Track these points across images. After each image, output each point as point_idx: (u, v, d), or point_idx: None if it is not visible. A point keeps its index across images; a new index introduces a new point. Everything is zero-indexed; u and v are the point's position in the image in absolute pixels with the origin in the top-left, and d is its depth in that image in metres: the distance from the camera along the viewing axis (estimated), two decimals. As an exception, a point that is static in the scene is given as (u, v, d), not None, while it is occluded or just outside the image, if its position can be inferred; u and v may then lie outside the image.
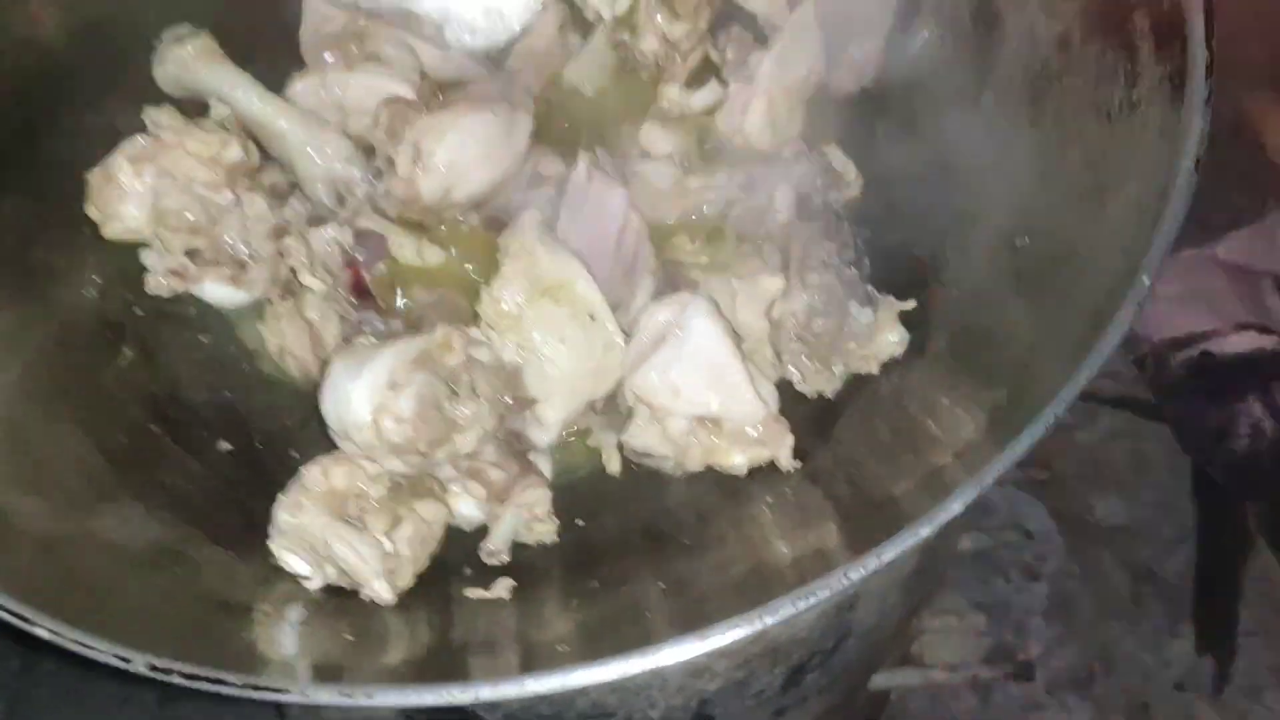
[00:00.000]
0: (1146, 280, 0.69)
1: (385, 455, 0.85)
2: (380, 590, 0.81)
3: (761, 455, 0.91)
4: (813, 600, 0.65)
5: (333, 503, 0.84)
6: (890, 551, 0.66)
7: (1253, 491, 1.44)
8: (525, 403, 0.93)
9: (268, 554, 0.86)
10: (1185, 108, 0.75)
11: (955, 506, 0.67)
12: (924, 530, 0.66)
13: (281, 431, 1.01)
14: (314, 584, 0.85)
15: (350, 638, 0.81)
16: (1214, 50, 0.75)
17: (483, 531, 0.92)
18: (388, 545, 0.82)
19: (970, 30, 1.02)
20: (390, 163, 0.98)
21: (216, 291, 1.01)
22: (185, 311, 1.04)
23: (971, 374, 0.85)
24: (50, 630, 0.70)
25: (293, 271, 0.98)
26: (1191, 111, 0.74)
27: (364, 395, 0.83)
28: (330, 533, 0.80)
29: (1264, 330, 1.48)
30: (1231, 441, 1.43)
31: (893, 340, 0.92)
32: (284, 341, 1.01)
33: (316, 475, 0.84)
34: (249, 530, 0.90)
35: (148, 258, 1.00)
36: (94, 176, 0.99)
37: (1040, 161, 0.91)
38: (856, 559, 0.66)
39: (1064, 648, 1.41)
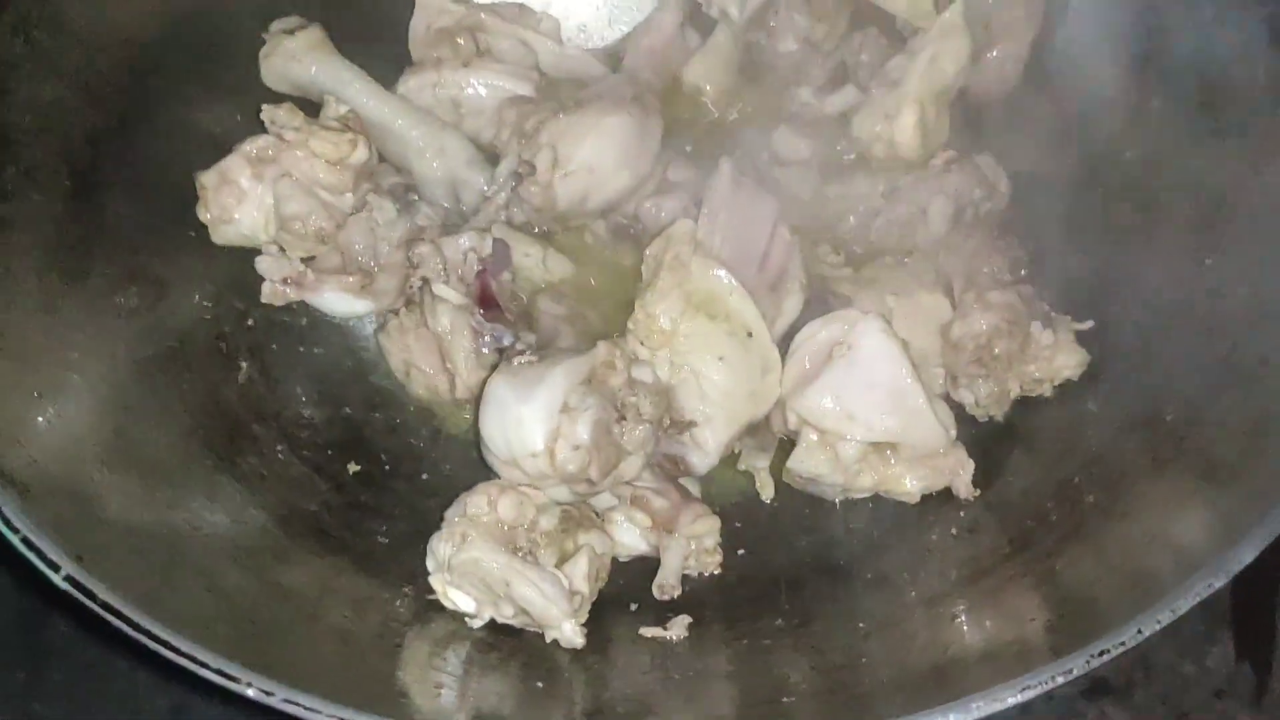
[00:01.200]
0: None
1: (554, 484, 0.79)
2: (571, 634, 0.75)
3: (938, 482, 0.87)
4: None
5: (501, 535, 0.78)
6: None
7: None
8: (683, 425, 0.87)
9: (417, 585, 0.81)
10: None
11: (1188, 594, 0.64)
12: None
13: (408, 451, 0.97)
14: (478, 622, 0.79)
15: (522, 683, 0.76)
16: None
17: (638, 562, 0.87)
18: (563, 581, 0.76)
19: (1126, 34, 0.99)
20: (530, 167, 0.92)
21: (337, 301, 0.95)
22: (297, 322, 0.99)
23: (1159, 423, 0.82)
24: (217, 671, 0.64)
25: (424, 281, 0.91)
26: None
27: (539, 420, 0.78)
28: (510, 570, 0.74)
29: None
30: None
31: (1071, 363, 0.89)
32: (409, 356, 0.95)
33: (482, 504, 0.79)
34: (392, 559, 0.85)
35: (263, 264, 0.94)
36: (208, 179, 0.92)
37: (1227, 173, 0.88)
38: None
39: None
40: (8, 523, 0.64)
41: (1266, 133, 0.87)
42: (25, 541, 0.64)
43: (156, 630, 0.62)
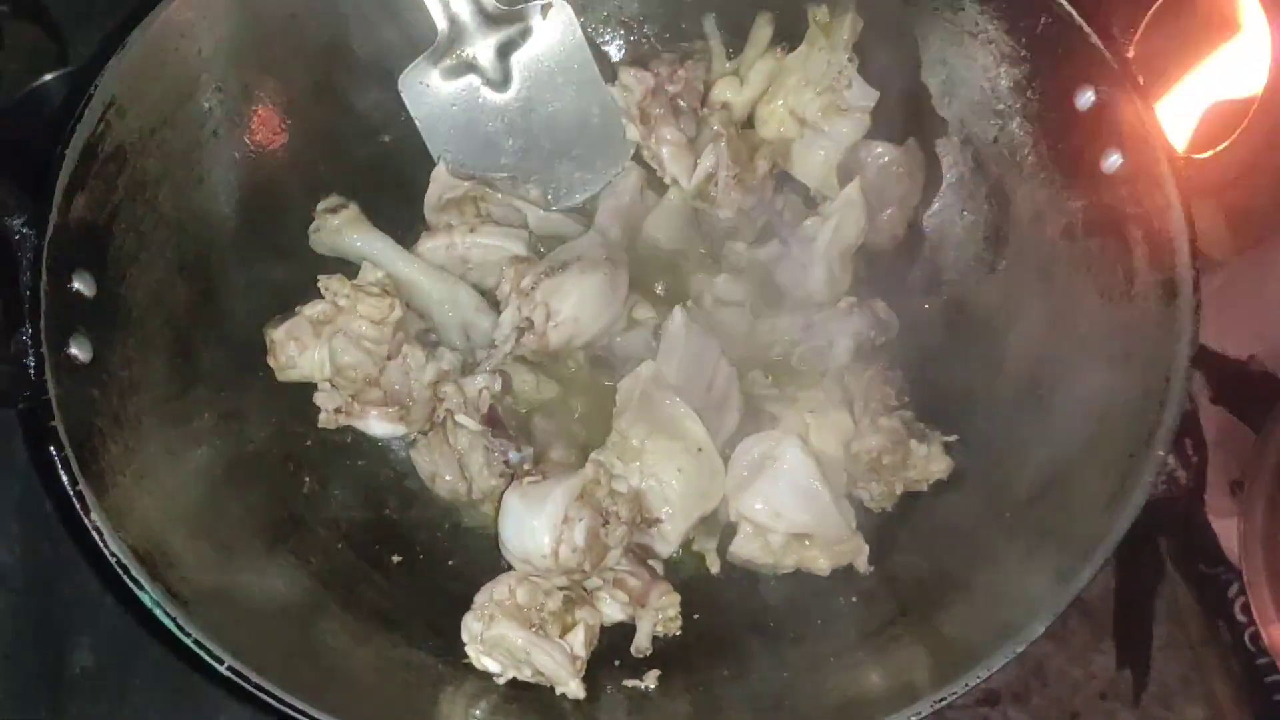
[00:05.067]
0: (1161, 453, 0.95)
1: (558, 575, 1.07)
2: (575, 689, 1.02)
3: (843, 560, 1.14)
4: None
5: (519, 615, 1.05)
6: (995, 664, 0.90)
7: (1166, 528, 1.51)
8: (651, 521, 1.14)
9: (455, 652, 1.07)
10: (1179, 312, 0.99)
11: (1037, 628, 0.92)
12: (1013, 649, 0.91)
13: (436, 542, 1.21)
14: (502, 680, 1.06)
15: (539, 723, 1.03)
16: (1198, 271, 1.00)
17: (619, 628, 1.14)
18: (567, 648, 1.04)
19: (984, 207, 1.27)
20: (529, 321, 1.19)
21: (379, 427, 1.19)
22: (344, 441, 1.23)
23: (1012, 501, 1.10)
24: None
25: (448, 412, 1.18)
26: (1185, 318, 0.99)
27: (546, 529, 1.04)
28: (530, 644, 1.01)
29: None
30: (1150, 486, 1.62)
31: (940, 467, 1.16)
32: (435, 467, 1.20)
33: (504, 591, 1.05)
34: (433, 632, 1.11)
35: (320, 399, 1.19)
36: (277, 334, 1.17)
37: (1054, 327, 1.15)
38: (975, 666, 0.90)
39: (1005, 666, 1.61)
40: (182, 629, 0.89)
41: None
42: (197, 643, 0.89)
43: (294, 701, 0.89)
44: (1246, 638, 1.38)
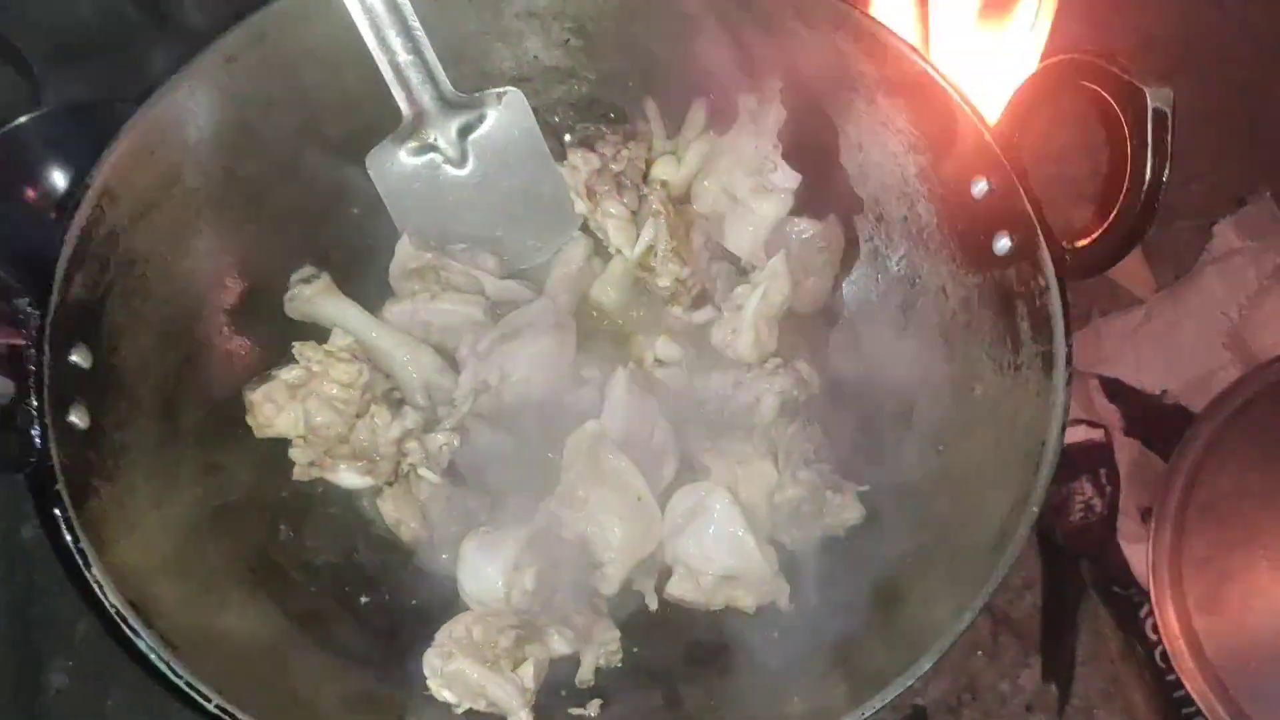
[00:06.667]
0: (1035, 510, 1.08)
1: (510, 614, 1.19)
2: (525, 718, 1.14)
3: (767, 599, 1.27)
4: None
5: (473, 650, 1.17)
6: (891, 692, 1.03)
7: (1085, 552, 1.61)
8: (595, 565, 1.27)
9: (418, 684, 1.19)
10: (1055, 383, 1.13)
11: (938, 651, 1.05)
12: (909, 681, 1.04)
13: (400, 584, 1.31)
14: (460, 709, 1.18)
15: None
16: (1071, 346, 1.14)
17: (566, 661, 1.26)
18: (519, 681, 1.16)
19: (895, 278, 1.40)
20: (485, 384, 1.32)
21: (349, 479, 1.31)
22: (316, 491, 1.35)
23: (916, 544, 1.23)
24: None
25: (412, 466, 1.30)
26: (1059, 389, 1.13)
27: (499, 575, 1.17)
28: (485, 678, 1.13)
29: (1093, 425, 1.67)
30: (1069, 514, 1.62)
31: (853, 515, 1.29)
32: (399, 515, 1.32)
33: (462, 630, 1.17)
34: (397, 667, 1.22)
35: (295, 453, 1.31)
36: (256, 396, 1.28)
37: (954, 389, 1.28)
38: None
39: (938, 681, 1.56)
40: (174, 672, 1.01)
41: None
42: (188, 684, 1.00)
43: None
44: (1157, 655, 1.48)
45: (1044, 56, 1.53)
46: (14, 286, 1.10)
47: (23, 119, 1.56)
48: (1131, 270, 1.89)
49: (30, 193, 1.60)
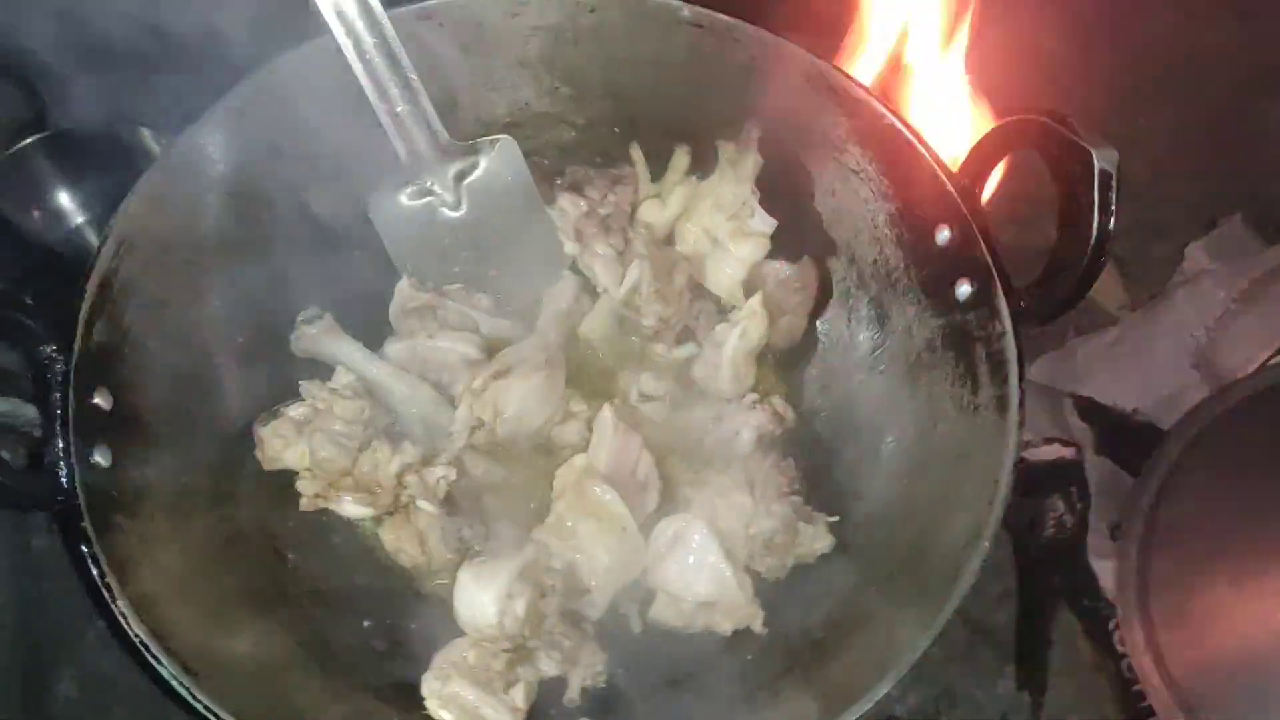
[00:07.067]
0: (986, 544, 1.17)
1: (503, 639, 1.28)
2: (516, 737, 1.24)
3: (742, 623, 1.35)
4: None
5: (469, 673, 1.25)
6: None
7: (1057, 566, 1.67)
8: (582, 591, 1.36)
9: (417, 707, 1.27)
10: (1008, 425, 1.22)
11: (903, 667, 1.13)
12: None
13: (400, 608, 1.39)
14: (456, 728, 1.27)
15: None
16: (1024, 390, 1.23)
17: (554, 681, 1.34)
18: (510, 702, 1.25)
19: (866, 318, 1.49)
20: (480, 420, 1.40)
21: (352, 509, 1.39)
22: (321, 520, 1.43)
23: (882, 571, 1.32)
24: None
25: (411, 497, 1.39)
26: (1011, 431, 1.21)
27: (493, 603, 1.25)
28: (480, 700, 1.22)
29: (1065, 443, 1.74)
30: (1042, 529, 1.69)
31: (824, 544, 1.37)
32: (399, 542, 1.41)
33: (458, 654, 1.26)
34: (396, 689, 1.30)
35: (301, 485, 1.39)
36: (265, 432, 1.36)
37: (918, 426, 1.37)
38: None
39: (916, 689, 1.61)
40: (194, 697, 1.10)
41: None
42: (206, 708, 1.09)
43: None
44: (1124, 667, 1.53)
45: (1008, 102, 1.61)
46: (39, 334, 1.18)
47: (29, 140, 1.61)
48: (1105, 288, 1.96)
49: (36, 212, 1.66)
